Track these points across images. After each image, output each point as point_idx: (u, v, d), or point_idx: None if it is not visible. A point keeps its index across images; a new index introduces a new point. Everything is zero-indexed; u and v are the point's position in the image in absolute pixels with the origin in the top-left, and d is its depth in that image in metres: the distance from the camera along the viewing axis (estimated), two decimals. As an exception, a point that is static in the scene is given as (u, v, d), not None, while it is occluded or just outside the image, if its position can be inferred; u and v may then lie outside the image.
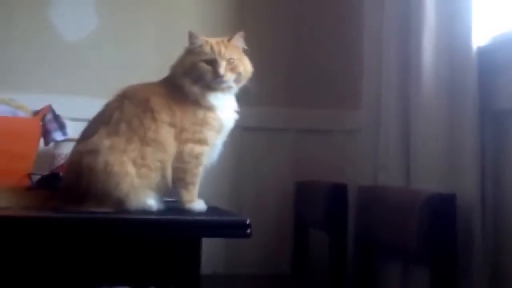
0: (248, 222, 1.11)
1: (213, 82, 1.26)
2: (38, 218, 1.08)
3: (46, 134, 1.73)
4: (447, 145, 1.45)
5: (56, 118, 1.75)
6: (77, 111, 1.74)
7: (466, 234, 1.34)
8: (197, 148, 1.24)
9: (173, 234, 1.11)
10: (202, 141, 1.24)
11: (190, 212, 1.21)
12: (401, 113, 1.63)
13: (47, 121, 1.72)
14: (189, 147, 1.23)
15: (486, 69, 1.39)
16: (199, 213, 1.21)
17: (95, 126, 1.23)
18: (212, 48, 1.27)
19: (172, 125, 1.23)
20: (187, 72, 1.27)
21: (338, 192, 1.78)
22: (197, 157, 1.24)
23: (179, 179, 1.23)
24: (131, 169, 1.17)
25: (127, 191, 1.16)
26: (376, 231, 1.55)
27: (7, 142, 1.48)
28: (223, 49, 1.27)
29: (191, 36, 1.29)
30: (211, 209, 1.26)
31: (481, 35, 1.41)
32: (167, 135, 1.22)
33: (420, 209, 1.30)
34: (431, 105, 1.49)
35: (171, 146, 1.22)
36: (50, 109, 1.73)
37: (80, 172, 1.17)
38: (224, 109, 1.28)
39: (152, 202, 1.20)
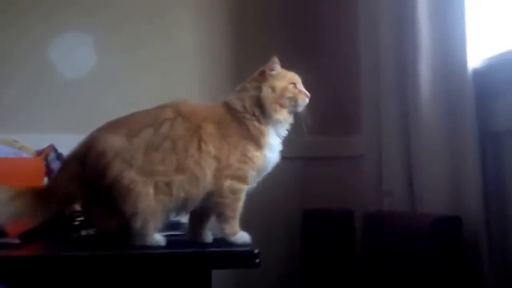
0: (256, 252, 1.11)
1: (304, 103, 1.28)
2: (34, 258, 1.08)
3: (50, 173, 1.73)
4: (449, 168, 1.46)
5: (59, 157, 1.75)
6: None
7: (473, 255, 1.34)
8: (236, 185, 1.21)
9: (182, 267, 1.11)
10: (242, 179, 1.22)
11: (202, 244, 1.21)
12: (401, 138, 1.64)
13: (50, 161, 1.73)
14: (228, 182, 1.21)
15: (483, 91, 1.42)
16: (243, 245, 1.20)
17: (140, 122, 1.20)
18: (289, 73, 1.29)
19: (216, 158, 1.20)
20: (277, 98, 1.26)
21: (344, 219, 1.79)
22: (236, 193, 1.21)
23: (220, 214, 1.21)
24: (150, 190, 1.17)
25: (141, 210, 1.15)
26: (383, 256, 1.55)
27: (12, 183, 1.48)
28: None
29: (274, 62, 1.29)
30: (219, 240, 1.26)
31: (476, 56, 1.43)
32: (206, 168, 1.20)
33: (426, 233, 1.31)
34: (430, 129, 1.50)
35: (205, 182, 1.20)
36: (52, 148, 1.74)
37: (106, 171, 1.14)
38: (274, 148, 1.27)
39: (161, 238, 1.19)
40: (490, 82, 1.42)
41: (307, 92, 1.29)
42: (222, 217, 1.21)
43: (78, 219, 1.47)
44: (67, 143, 1.83)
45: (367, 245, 1.67)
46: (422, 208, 1.53)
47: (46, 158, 1.70)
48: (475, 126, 1.40)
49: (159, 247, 1.17)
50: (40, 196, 1.17)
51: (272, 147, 1.25)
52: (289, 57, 1.31)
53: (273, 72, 1.28)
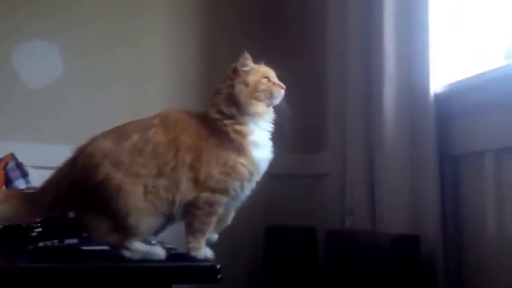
0: (218, 267, 1.11)
1: (280, 95, 1.27)
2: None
3: (8, 182, 1.70)
4: (410, 189, 1.50)
5: (19, 166, 1.73)
6: (40, 159, 1.73)
7: (430, 273, 1.38)
8: (215, 197, 1.19)
9: (143, 282, 1.10)
10: (222, 191, 1.20)
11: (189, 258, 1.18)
12: (365, 158, 1.68)
13: (9, 169, 1.70)
14: (207, 194, 1.19)
15: (443, 115, 1.46)
16: (205, 260, 1.18)
17: (132, 128, 1.20)
18: (262, 67, 1.28)
19: (192, 169, 1.18)
20: (251, 92, 1.24)
21: (307, 236, 1.80)
22: (211, 205, 1.19)
23: (189, 224, 1.20)
24: (139, 190, 1.16)
25: (133, 209, 1.14)
26: (345, 274, 1.57)
27: (-31, 191, 1.46)
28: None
29: (246, 58, 1.27)
30: (180, 255, 1.25)
31: (438, 81, 1.48)
32: (182, 176, 1.19)
33: (386, 251, 1.33)
34: (393, 151, 1.54)
35: (184, 188, 1.19)
36: (12, 157, 1.71)
37: (95, 172, 1.13)
38: (261, 144, 1.23)
39: (161, 251, 1.18)
40: (450, 107, 1.46)
41: (281, 84, 1.28)
42: (190, 228, 1.20)
43: (36, 230, 1.44)
44: (28, 152, 1.82)
45: (329, 262, 1.69)
46: (383, 226, 1.56)
47: (5, 167, 1.67)
48: (435, 148, 1.44)
49: (119, 259, 1.16)
50: (28, 199, 1.17)
51: (258, 144, 1.22)
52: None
53: (245, 68, 1.27)
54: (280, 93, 1.28)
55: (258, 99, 1.24)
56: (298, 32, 2.29)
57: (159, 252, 1.18)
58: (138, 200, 1.14)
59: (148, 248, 1.17)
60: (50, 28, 2.09)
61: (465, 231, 1.42)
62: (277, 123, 1.30)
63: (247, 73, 1.26)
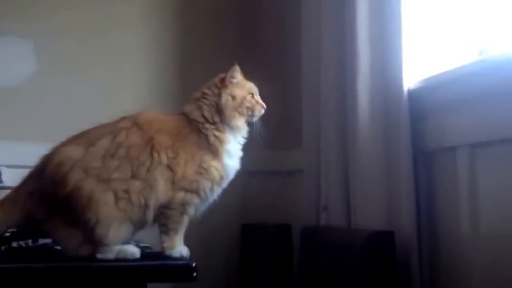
0: (193, 265, 1.12)
1: (259, 114, 1.33)
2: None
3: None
4: (384, 185, 1.51)
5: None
6: (13, 157, 1.70)
7: (405, 269, 1.39)
8: (188, 197, 1.22)
9: (118, 280, 1.10)
10: (195, 191, 1.23)
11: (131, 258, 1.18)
12: (340, 155, 1.68)
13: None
14: (181, 195, 1.21)
15: (417, 111, 1.48)
16: (180, 258, 1.20)
17: (99, 133, 1.19)
18: (248, 83, 1.33)
19: (169, 168, 1.20)
20: (236, 107, 1.29)
21: (283, 233, 1.81)
22: (184, 205, 1.22)
23: (161, 224, 1.22)
24: (110, 199, 1.14)
25: (103, 220, 1.13)
26: (320, 270, 1.58)
27: None
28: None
29: (235, 70, 1.31)
30: (155, 253, 1.25)
31: (411, 78, 1.49)
32: (159, 177, 1.19)
33: (361, 247, 1.34)
34: (367, 147, 1.55)
35: (160, 189, 1.19)
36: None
37: (64, 181, 1.13)
38: (233, 155, 1.29)
39: (135, 249, 1.18)
40: (423, 103, 1.48)
41: (263, 104, 1.34)
42: (164, 228, 1.22)
43: (9, 230, 1.42)
44: (1, 151, 1.78)
45: (304, 258, 1.69)
46: (357, 223, 1.57)
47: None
48: (409, 145, 1.45)
49: (93, 259, 1.15)
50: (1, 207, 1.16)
51: (231, 154, 1.28)
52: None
53: (234, 80, 1.32)
54: (260, 112, 1.34)
55: (240, 114, 1.30)
56: (273, 31, 2.30)
57: (133, 250, 1.17)
58: (109, 209, 1.13)
59: (121, 247, 1.17)
60: (22, 25, 2.06)
61: (439, 226, 1.43)
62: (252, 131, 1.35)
63: (235, 85, 1.31)
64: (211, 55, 2.20)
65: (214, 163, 1.24)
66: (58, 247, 1.22)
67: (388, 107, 1.52)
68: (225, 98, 1.29)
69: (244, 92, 1.32)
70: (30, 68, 2.07)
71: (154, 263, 1.16)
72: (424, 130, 1.47)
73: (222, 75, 1.33)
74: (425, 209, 1.47)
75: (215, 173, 1.24)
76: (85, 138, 1.19)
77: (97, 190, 1.13)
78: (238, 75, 1.32)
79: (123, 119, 1.24)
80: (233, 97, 1.30)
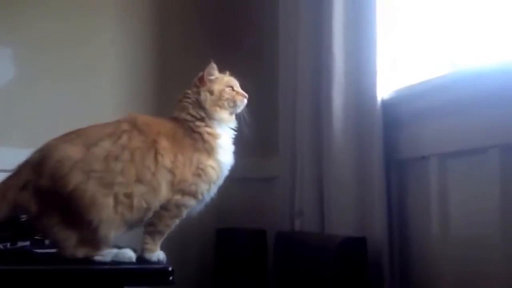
0: (170, 269, 1.12)
1: (242, 104, 1.34)
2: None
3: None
4: (357, 192, 1.54)
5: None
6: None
7: (376, 273, 1.42)
8: (184, 200, 1.23)
9: (95, 284, 1.10)
10: (193, 194, 1.24)
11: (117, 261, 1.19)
12: (314, 162, 1.71)
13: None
14: (178, 197, 1.22)
15: (390, 121, 1.51)
16: (157, 262, 1.21)
17: (98, 133, 1.19)
18: (226, 77, 1.34)
19: (171, 171, 1.21)
20: (215, 100, 1.30)
21: (257, 238, 1.82)
22: (179, 207, 1.23)
23: (151, 224, 1.22)
24: (110, 202, 1.14)
25: (105, 221, 1.13)
26: (294, 275, 1.60)
27: None
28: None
29: (212, 67, 1.33)
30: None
31: (385, 88, 1.53)
32: (162, 180, 1.19)
33: (333, 252, 1.37)
34: (341, 155, 1.58)
35: (161, 194, 1.20)
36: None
37: (65, 182, 1.12)
38: (226, 149, 1.30)
39: (132, 254, 1.18)
40: (396, 113, 1.51)
41: (244, 93, 1.35)
42: (151, 229, 1.22)
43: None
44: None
45: (279, 263, 1.71)
46: (331, 228, 1.60)
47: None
48: (382, 153, 1.48)
49: (71, 262, 1.14)
50: None
51: (224, 148, 1.30)
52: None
53: (211, 77, 1.34)
54: (242, 102, 1.35)
55: (222, 107, 1.31)
56: (250, 38, 2.31)
57: (130, 254, 1.18)
58: (109, 212, 1.14)
59: (118, 250, 1.17)
60: (1, 34, 2.06)
61: (410, 233, 1.47)
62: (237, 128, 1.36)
63: (212, 82, 1.32)
64: (189, 62, 2.20)
65: (210, 162, 1.26)
66: (37, 250, 1.21)
67: (362, 116, 1.55)
68: (204, 94, 1.31)
69: (221, 86, 1.34)
70: (7, 75, 2.05)
71: (131, 266, 1.17)
72: (397, 139, 1.51)
73: (200, 74, 1.34)
74: (396, 216, 1.50)
75: (213, 173, 1.26)
76: (83, 137, 1.18)
77: (100, 194, 1.13)
78: (215, 72, 1.35)
79: (121, 121, 1.24)
80: (211, 92, 1.32)
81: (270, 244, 1.82)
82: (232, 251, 1.97)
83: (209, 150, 1.26)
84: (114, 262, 1.16)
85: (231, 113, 1.34)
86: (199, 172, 1.24)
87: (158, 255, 1.23)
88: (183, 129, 1.27)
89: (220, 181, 1.31)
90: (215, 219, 2.15)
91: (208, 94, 1.31)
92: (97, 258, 1.15)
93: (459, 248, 1.29)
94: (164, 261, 1.23)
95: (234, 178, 2.19)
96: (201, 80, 1.33)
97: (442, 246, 1.33)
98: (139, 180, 1.17)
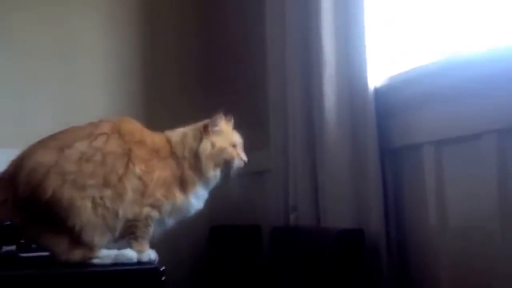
0: (162, 269, 1.11)
1: (239, 167, 1.33)
2: None
3: None
4: (352, 183, 1.52)
5: None
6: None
7: (374, 266, 1.40)
8: (153, 213, 1.23)
9: (85, 286, 1.08)
10: (158, 208, 1.24)
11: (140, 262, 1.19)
12: (308, 154, 1.69)
13: None
14: (148, 210, 1.23)
15: (383, 109, 1.49)
16: (148, 262, 1.21)
17: (75, 135, 1.18)
18: (233, 134, 1.34)
19: (141, 180, 1.21)
20: (213, 156, 1.29)
21: (252, 234, 1.80)
22: (149, 219, 1.23)
23: (131, 233, 1.22)
24: (88, 204, 1.12)
25: (86, 224, 1.12)
26: (290, 270, 1.57)
27: None
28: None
29: (219, 118, 1.31)
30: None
31: (377, 76, 1.50)
32: (128, 187, 1.19)
33: (331, 245, 1.35)
34: (335, 146, 1.56)
35: (129, 198, 1.18)
36: None
37: (42, 188, 1.11)
38: (199, 197, 1.32)
39: (132, 254, 1.17)
40: (389, 100, 1.49)
41: (245, 157, 1.33)
42: (133, 236, 1.22)
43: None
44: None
45: (274, 258, 1.69)
46: (327, 221, 1.58)
47: None
48: (376, 142, 1.46)
49: (59, 266, 1.12)
50: None
51: (198, 196, 1.31)
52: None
53: (216, 128, 1.32)
54: (240, 165, 1.33)
55: (216, 164, 1.29)
56: (238, 30, 2.29)
57: (131, 254, 1.18)
58: (89, 215, 1.12)
59: (118, 251, 1.17)
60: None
61: (407, 222, 1.45)
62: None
63: (216, 134, 1.31)
64: (176, 68, 2.21)
65: (180, 195, 1.26)
66: (23, 255, 1.19)
67: (355, 105, 1.53)
68: (204, 145, 1.30)
69: (225, 142, 1.32)
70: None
71: (122, 267, 1.15)
72: (391, 128, 1.48)
73: (206, 122, 1.33)
74: (393, 206, 1.48)
75: (179, 202, 1.26)
76: (59, 140, 1.18)
77: (77, 197, 1.12)
78: (221, 123, 1.33)
79: (103, 123, 1.23)
80: (213, 146, 1.31)
81: (265, 240, 1.80)
82: (227, 249, 1.94)
83: (184, 189, 1.27)
84: (99, 265, 1.14)
85: (222, 171, 1.34)
86: (167, 195, 1.25)
87: (149, 254, 1.22)
88: (170, 152, 1.28)
89: (181, 217, 1.31)
90: (208, 217, 2.12)
91: (209, 146, 1.30)
92: (96, 261, 1.14)
93: (457, 236, 1.27)
94: (156, 261, 1.21)
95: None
96: (206, 129, 1.32)
97: (439, 235, 1.32)
98: (106, 183, 1.16)
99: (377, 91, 1.49)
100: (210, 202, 2.13)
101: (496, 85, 1.14)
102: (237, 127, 1.42)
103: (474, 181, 1.22)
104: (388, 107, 1.49)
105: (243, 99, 2.22)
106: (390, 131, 1.48)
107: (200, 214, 2.10)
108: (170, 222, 1.30)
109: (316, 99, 1.64)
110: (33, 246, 1.25)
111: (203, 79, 2.28)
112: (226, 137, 1.33)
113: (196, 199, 1.31)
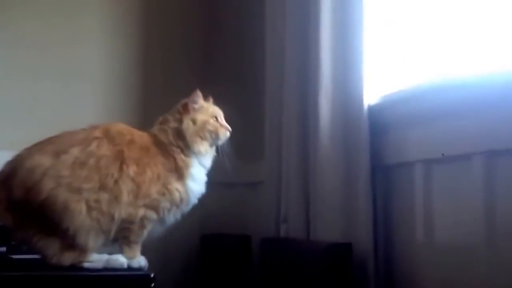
0: (152, 276, 1.11)
1: (225, 137, 1.33)
2: None
3: None
4: (343, 198, 1.53)
5: None
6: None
7: (361, 280, 1.41)
8: (147, 213, 1.23)
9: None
10: (155, 208, 1.24)
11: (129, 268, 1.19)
12: (300, 167, 1.70)
13: None
14: (143, 211, 1.23)
15: (376, 126, 1.51)
16: (139, 269, 1.21)
17: (70, 140, 1.19)
18: (211, 107, 1.34)
19: (134, 182, 1.21)
20: (197, 131, 1.29)
21: (242, 244, 1.81)
22: (145, 220, 1.23)
23: (124, 237, 1.23)
24: (83, 208, 1.13)
25: (80, 228, 1.12)
26: (279, 281, 1.58)
27: None
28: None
29: (197, 95, 1.31)
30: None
31: (372, 94, 1.53)
32: (124, 189, 1.19)
33: (319, 258, 1.36)
34: (327, 161, 1.57)
35: (125, 200, 1.19)
36: None
37: (36, 190, 1.12)
38: (198, 179, 1.30)
39: (123, 260, 1.17)
40: (383, 118, 1.51)
41: (228, 126, 1.34)
42: (126, 240, 1.23)
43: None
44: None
45: (264, 269, 1.70)
46: (316, 234, 1.59)
47: None
48: (368, 159, 1.48)
49: (52, 269, 1.13)
50: None
51: (195, 178, 1.30)
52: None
53: (196, 105, 1.33)
54: (225, 135, 1.35)
55: (203, 138, 1.31)
56: (236, 42, 2.31)
57: (122, 260, 1.18)
58: (83, 218, 1.13)
59: (110, 256, 1.17)
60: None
61: (395, 239, 1.47)
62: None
63: (196, 110, 1.31)
64: (174, 67, 2.20)
65: (178, 185, 1.27)
66: (14, 256, 1.19)
67: (349, 121, 1.55)
68: (186, 123, 1.31)
69: (206, 116, 1.33)
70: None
71: (113, 272, 1.15)
72: (383, 145, 1.50)
73: (184, 101, 1.34)
74: (382, 222, 1.50)
75: (177, 196, 1.27)
76: (55, 144, 1.18)
77: (72, 200, 1.13)
78: (199, 100, 1.34)
79: (94, 128, 1.23)
80: (194, 122, 1.31)
81: (255, 250, 1.81)
82: (217, 257, 1.95)
83: (180, 175, 1.27)
84: (90, 269, 1.15)
85: (211, 145, 1.34)
86: (164, 191, 1.25)
87: (139, 261, 1.23)
88: (158, 147, 1.28)
89: (185, 208, 1.31)
90: (199, 225, 2.14)
91: (191, 123, 1.31)
92: (87, 264, 1.15)
93: (443, 254, 1.29)
94: (146, 267, 1.22)
95: (219, 182, 2.19)
96: (185, 107, 1.32)
97: (426, 252, 1.33)
98: (102, 187, 1.17)
99: (371, 108, 1.51)
100: (202, 210, 2.15)
101: (486, 107, 1.16)
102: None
103: (462, 199, 1.23)
104: (381, 125, 1.51)
105: (239, 111, 2.23)
106: (382, 149, 1.50)
107: (191, 222, 2.12)
108: (172, 218, 1.29)
109: (311, 113, 1.65)
110: (24, 248, 1.25)
111: (200, 89, 2.29)
112: (207, 111, 1.34)
113: (195, 182, 1.30)
